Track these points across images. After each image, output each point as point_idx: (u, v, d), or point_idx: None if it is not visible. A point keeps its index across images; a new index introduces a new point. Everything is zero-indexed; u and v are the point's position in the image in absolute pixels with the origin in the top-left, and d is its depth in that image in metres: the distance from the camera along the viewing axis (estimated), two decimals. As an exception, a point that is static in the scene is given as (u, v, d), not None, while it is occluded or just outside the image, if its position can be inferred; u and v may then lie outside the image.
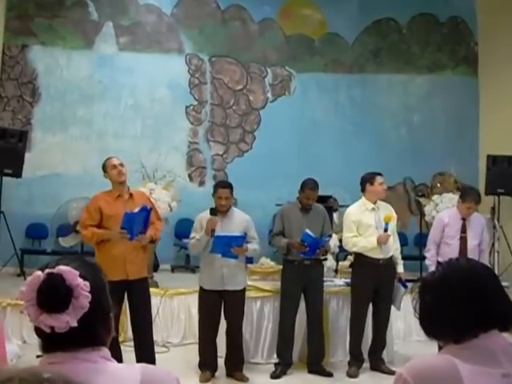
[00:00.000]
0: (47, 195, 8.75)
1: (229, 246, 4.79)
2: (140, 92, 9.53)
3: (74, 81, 9.33)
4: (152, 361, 4.59)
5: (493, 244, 8.25)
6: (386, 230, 5.08)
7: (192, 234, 4.97)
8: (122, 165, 4.62)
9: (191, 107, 9.73)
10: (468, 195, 5.33)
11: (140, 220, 4.39)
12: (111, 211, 4.48)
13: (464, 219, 5.33)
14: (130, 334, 5.14)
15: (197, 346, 5.04)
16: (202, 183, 9.61)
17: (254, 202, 8.52)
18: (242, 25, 9.99)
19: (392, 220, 5.15)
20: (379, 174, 5.31)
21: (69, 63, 9.37)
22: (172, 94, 9.63)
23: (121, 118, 9.43)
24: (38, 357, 4.73)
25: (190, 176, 9.59)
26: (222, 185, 5.05)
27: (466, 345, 1.36)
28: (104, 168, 4.66)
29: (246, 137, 9.87)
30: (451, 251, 5.17)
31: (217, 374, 5.00)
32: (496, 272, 7.61)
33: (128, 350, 4.66)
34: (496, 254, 8.03)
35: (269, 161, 9.35)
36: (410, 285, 5.37)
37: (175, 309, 6.19)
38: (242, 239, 4.88)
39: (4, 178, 7.88)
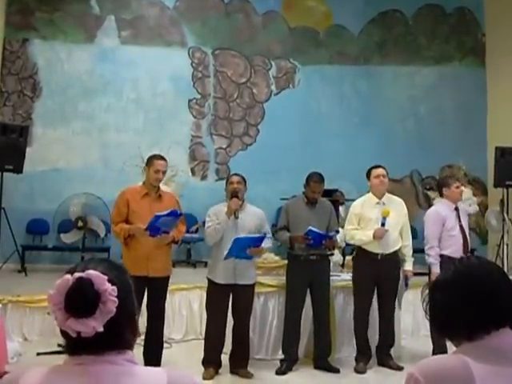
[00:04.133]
0: (48, 190, 8.68)
1: (246, 248, 4.66)
2: (142, 86, 9.43)
3: (75, 75, 9.24)
4: (158, 358, 4.61)
5: (502, 236, 8.13)
6: (383, 225, 4.99)
7: (208, 224, 4.83)
8: (164, 172, 4.75)
9: (194, 101, 9.62)
10: (450, 178, 5.58)
11: (166, 221, 4.48)
12: (136, 207, 4.61)
13: (457, 209, 5.27)
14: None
15: (199, 342, 4.94)
16: (204, 177, 9.49)
17: (258, 195, 8.35)
18: (245, 17, 9.88)
19: (390, 215, 5.00)
20: (376, 167, 5.22)
21: (70, 57, 9.28)
22: (175, 87, 9.52)
23: (122, 112, 9.33)
24: (38, 354, 4.62)
25: (192, 170, 9.47)
26: (235, 173, 5.09)
27: (478, 343, 1.34)
28: (148, 163, 4.73)
29: (249, 130, 9.75)
30: (456, 242, 5.13)
31: (220, 370, 4.91)
32: (505, 265, 7.50)
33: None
34: (505, 246, 7.90)
35: (273, 154, 9.24)
36: (418, 278, 5.24)
37: (177, 305, 6.08)
38: (262, 240, 4.74)
39: (5, 174, 7.80)
